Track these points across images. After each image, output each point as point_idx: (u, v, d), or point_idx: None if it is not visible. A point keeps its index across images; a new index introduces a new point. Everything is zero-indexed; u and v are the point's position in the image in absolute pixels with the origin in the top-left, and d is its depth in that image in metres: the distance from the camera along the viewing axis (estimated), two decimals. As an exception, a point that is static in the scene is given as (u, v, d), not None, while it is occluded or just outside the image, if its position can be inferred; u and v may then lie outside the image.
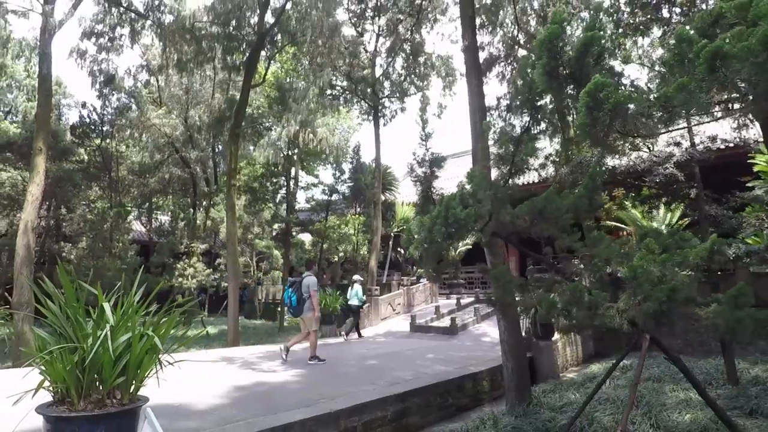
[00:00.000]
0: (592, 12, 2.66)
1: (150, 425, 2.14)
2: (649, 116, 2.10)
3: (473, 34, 7.39)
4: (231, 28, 13.48)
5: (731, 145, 6.95)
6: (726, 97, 2.60)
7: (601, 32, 2.33)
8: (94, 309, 2.90)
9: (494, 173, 3.88)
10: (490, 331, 11.33)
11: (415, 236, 4.08)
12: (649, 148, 8.14)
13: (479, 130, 6.27)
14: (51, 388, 2.78)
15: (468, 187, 4.09)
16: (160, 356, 2.94)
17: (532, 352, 8.87)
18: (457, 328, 11.50)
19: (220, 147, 20.23)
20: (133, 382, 2.85)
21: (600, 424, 5.06)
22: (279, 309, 18.63)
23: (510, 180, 3.80)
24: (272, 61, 17.34)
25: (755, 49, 1.64)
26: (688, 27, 2.06)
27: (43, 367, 2.74)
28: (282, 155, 13.65)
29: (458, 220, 3.63)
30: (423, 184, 4.18)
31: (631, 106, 2.03)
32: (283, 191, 20.47)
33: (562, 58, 2.39)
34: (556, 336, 9.30)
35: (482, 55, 13.32)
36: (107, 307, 2.81)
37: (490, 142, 4.81)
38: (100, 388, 2.74)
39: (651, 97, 2.19)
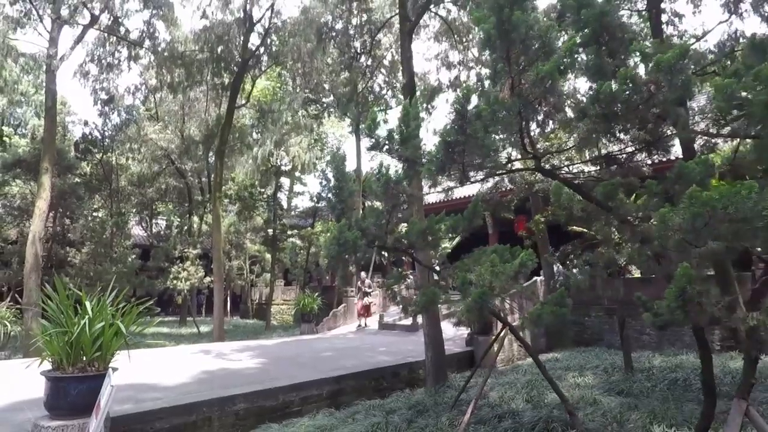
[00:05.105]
0: (410, 103, 3.89)
1: (108, 379, 3.46)
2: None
3: (411, 75, 8.74)
4: (218, 53, 14.88)
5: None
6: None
7: (418, 114, 3.60)
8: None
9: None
10: (447, 328, 12.58)
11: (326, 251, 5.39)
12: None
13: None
14: (50, 360, 4.12)
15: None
16: (125, 340, 4.28)
17: (473, 346, 10.18)
18: (418, 326, 12.73)
19: (212, 157, 21.72)
20: (106, 355, 4.19)
21: (487, 399, 6.35)
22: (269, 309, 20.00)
23: (393, 212, 5.11)
24: (260, 78, 18.75)
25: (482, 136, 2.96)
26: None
27: (44, 345, 4.08)
28: (259, 172, 15.11)
29: (347, 240, 4.94)
30: (336, 213, 5.46)
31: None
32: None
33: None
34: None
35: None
36: (88, 304, 4.15)
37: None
38: (83, 359, 4.08)
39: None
